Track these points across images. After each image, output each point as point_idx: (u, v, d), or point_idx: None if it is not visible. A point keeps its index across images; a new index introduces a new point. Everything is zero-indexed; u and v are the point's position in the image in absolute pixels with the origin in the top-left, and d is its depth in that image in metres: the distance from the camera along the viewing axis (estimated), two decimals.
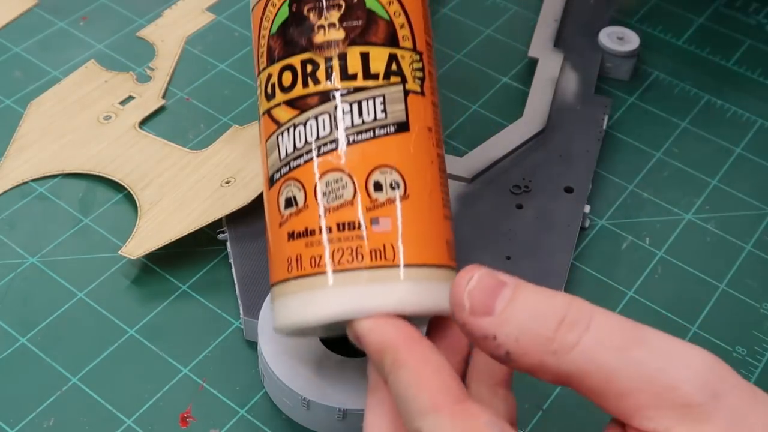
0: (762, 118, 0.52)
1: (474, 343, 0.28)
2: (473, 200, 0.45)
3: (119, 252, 0.42)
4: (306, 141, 0.32)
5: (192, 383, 0.39)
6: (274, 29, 0.33)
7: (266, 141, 0.33)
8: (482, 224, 0.44)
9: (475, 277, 0.27)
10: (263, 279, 0.41)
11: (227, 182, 0.45)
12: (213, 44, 0.54)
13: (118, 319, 0.41)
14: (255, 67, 0.35)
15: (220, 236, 0.44)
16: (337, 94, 0.32)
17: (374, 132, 0.32)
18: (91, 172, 0.46)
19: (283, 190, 0.32)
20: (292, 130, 0.32)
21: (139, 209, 0.44)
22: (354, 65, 0.32)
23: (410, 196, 0.31)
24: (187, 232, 0.43)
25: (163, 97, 0.50)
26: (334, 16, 0.32)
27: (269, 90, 0.33)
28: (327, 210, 0.31)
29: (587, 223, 0.45)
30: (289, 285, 0.31)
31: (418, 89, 0.33)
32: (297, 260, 0.31)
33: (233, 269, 0.42)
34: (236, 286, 0.41)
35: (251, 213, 0.43)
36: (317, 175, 0.31)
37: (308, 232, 0.31)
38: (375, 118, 0.32)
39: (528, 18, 0.56)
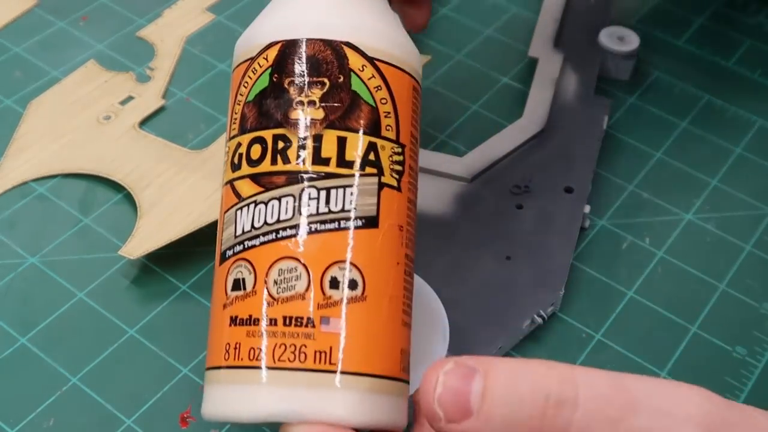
0: (762, 118, 0.52)
1: None
2: (473, 200, 0.45)
3: (119, 252, 0.42)
4: (265, 221, 0.30)
5: (192, 383, 0.39)
6: (251, 97, 0.31)
7: (225, 213, 0.31)
8: (482, 224, 0.44)
9: (440, 380, 0.25)
10: None
11: None
12: (213, 44, 0.54)
13: (118, 319, 0.41)
14: (227, 132, 0.33)
15: None
16: (306, 178, 0.30)
17: (339, 223, 0.29)
18: (91, 172, 0.46)
19: (233, 269, 0.30)
20: (252, 207, 0.30)
21: (139, 209, 0.44)
22: (329, 149, 0.30)
23: (367, 298, 0.29)
24: (187, 232, 0.43)
25: (163, 97, 0.50)
26: (316, 93, 0.31)
27: (236, 160, 0.31)
28: (275, 300, 0.29)
29: (587, 223, 0.45)
30: (223, 373, 0.29)
31: (395, 184, 0.31)
32: (236, 348, 0.29)
33: None
34: None
35: None
36: (270, 261, 0.29)
37: (251, 321, 0.29)
38: (342, 209, 0.30)
39: (528, 18, 0.56)
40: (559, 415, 0.24)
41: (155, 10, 0.56)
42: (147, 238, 0.43)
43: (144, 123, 0.49)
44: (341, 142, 0.30)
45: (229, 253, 0.31)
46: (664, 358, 0.41)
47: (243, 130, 0.31)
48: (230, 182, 0.31)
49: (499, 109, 0.51)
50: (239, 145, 0.31)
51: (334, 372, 0.28)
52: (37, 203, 0.45)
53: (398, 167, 0.31)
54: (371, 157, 0.31)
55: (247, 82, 0.32)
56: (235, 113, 0.32)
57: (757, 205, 0.47)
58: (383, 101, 0.31)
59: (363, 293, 0.29)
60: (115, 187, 0.46)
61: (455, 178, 0.46)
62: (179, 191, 0.45)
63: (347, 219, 0.30)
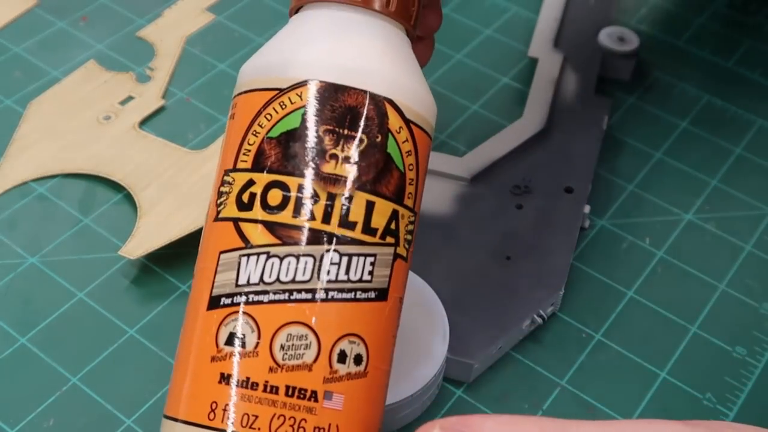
0: (762, 118, 0.52)
1: None
2: (473, 200, 0.45)
3: (119, 252, 0.42)
4: (278, 278, 0.27)
5: None
6: (275, 133, 0.29)
7: (222, 253, 0.28)
8: (482, 224, 0.44)
9: None
10: None
11: None
12: (213, 44, 0.54)
13: (118, 319, 0.41)
14: (224, 158, 0.30)
15: None
16: (331, 240, 0.28)
17: (356, 294, 0.28)
18: (91, 172, 0.46)
19: (229, 321, 0.28)
20: (263, 258, 0.28)
21: (138, 209, 0.44)
22: (357, 213, 0.28)
23: (368, 374, 0.28)
24: (187, 232, 0.43)
25: (163, 97, 0.50)
26: (352, 149, 0.28)
27: (245, 198, 0.28)
28: (280, 366, 0.27)
29: (587, 223, 0.45)
30: None
31: (405, 254, 0.30)
32: (224, 410, 0.27)
33: None
34: None
35: None
36: (279, 323, 0.27)
37: (249, 384, 0.27)
38: (360, 279, 0.28)
39: (528, 18, 0.56)
40: None
41: (155, 10, 0.56)
42: (147, 238, 0.43)
43: (144, 123, 0.49)
44: (369, 207, 0.28)
45: (226, 301, 0.28)
46: (664, 358, 0.41)
47: (259, 168, 0.29)
48: (234, 221, 0.29)
49: (499, 109, 0.51)
50: (251, 182, 0.29)
51: None
52: (37, 203, 0.45)
53: (410, 237, 0.30)
54: (392, 226, 0.29)
55: (270, 115, 0.29)
56: (249, 144, 0.29)
57: (757, 205, 0.47)
58: (410, 167, 0.30)
59: (365, 369, 0.28)
60: (115, 187, 0.46)
61: (455, 178, 0.46)
62: (179, 191, 0.45)
63: (364, 290, 0.28)
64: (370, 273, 0.28)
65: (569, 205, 0.45)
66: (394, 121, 0.29)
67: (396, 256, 0.29)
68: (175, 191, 0.45)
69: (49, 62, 0.52)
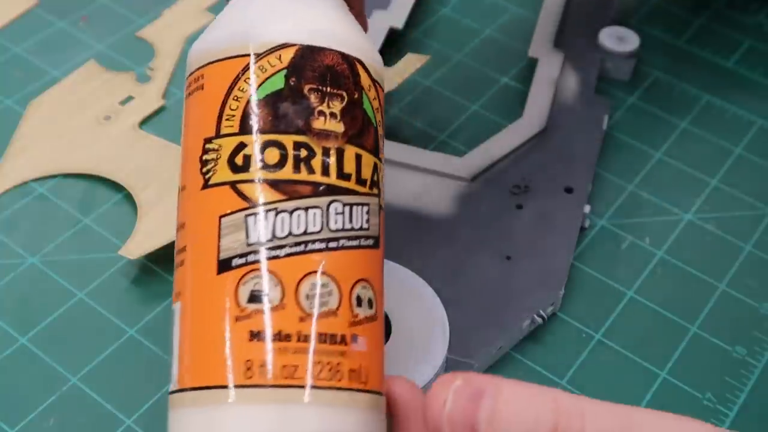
0: (762, 118, 0.52)
1: None
2: (473, 200, 0.45)
3: (119, 252, 0.42)
4: (290, 232, 0.28)
5: None
6: (260, 95, 0.30)
7: (222, 217, 0.29)
8: (482, 224, 0.44)
9: (450, 398, 0.25)
10: None
11: None
12: None
13: (118, 319, 0.41)
14: (198, 128, 0.31)
15: None
16: (332, 191, 0.29)
17: (360, 241, 0.29)
18: (91, 172, 0.46)
19: (248, 279, 0.28)
20: (272, 215, 0.28)
21: (139, 209, 0.44)
22: (350, 165, 0.30)
23: (377, 317, 0.29)
24: None
25: (163, 97, 0.50)
26: (336, 106, 0.30)
27: (239, 161, 0.29)
28: (308, 315, 0.28)
29: (587, 223, 0.45)
30: (247, 393, 0.27)
31: (383, 205, 0.31)
32: (262, 366, 0.27)
33: None
34: None
35: None
36: (301, 275, 0.28)
37: (283, 337, 0.27)
38: (361, 227, 0.29)
39: (528, 18, 0.56)
40: None
41: (155, 10, 0.56)
42: (147, 238, 0.43)
43: (144, 123, 0.49)
44: (358, 159, 0.30)
45: (239, 261, 0.28)
46: (663, 358, 0.41)
47: (248, 130, 0.29)
48: (232, 184, 0.29)
49: (499, 109, 0.51)
50: (242, 145, 0.29)
51: (364, 391, 0.28)
52: (37, 203, 0.45)
53: (383, 188, 0.32)
54: (375, 177, 0.31)
55: (248, 79, 0.30)
56: (232, 110, 0.30)
57: (757, 205, 0.47)
58: (380, 123, 0.31)
59: (375, 313, 0.29)
60: (115, 187, 0.46)
61: (455, 178, 0.46)
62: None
63: (366, 237, 0.29)
64: (367, 222, 0.30)
65: (569, 205, 0.45)
66: (365, 80, 0.31)
67: (380, 206, 0.31)
68: (175, 191, 0.45)
69: (49, 62, 0.52)
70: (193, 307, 0.29)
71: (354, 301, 0.28)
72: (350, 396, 0.28)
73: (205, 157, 0.30)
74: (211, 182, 0.30)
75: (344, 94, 0.30)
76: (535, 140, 0.48)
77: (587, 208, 0.45)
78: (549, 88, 0.50)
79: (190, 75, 0.32)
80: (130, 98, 0.50)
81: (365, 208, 0.30)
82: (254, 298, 0.28)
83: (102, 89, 0.50)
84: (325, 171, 0.29)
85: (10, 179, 0.46)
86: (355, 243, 0.29)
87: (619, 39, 0.53)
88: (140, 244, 0.42)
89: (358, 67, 0.31)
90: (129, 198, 0.45)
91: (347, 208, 0.29)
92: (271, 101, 0.30)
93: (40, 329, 0.41)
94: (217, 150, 0.30)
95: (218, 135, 0.30)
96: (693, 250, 0.45)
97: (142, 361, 0.40)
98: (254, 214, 0.28)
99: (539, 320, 0.41)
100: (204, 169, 0.30)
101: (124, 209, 0.45)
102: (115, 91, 0.50)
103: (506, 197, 0.45)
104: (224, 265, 0.28)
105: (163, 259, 0.43)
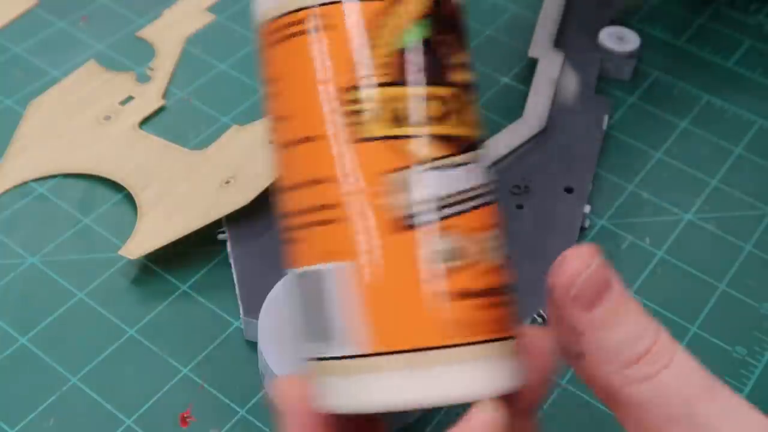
0: (762, 118, 0.52)
1: (557, 323, 0.28)
2: None
3: (119, 252, 0.42)
4: (463, 188, 0.28)
5: (192, 383, 0.39)
6: (411, 43, 0.27)
7: (384, 175, 0.27)
8: None
9: (593, 268, 0.27)
10: (263, 279, 0.41)
11: (227, 182, 0.45)
12: (213, 44, 0.54)
13: (118, 319, 0.41)
14: (334, 75, 0.28)
15: (220, 236, 0.44)
16: (480, 145, 0.29)
17: (496, 194, 0.29)
18: (91, 172, 0.46)
19: (438, 239, 0.27)
20: (450, 170, 0.27)
21: (139, 209, 0.44)
22: (476, 117, 0.29)
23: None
24: (187, 232, 0.43)
25: (163, 97, 0.50)
26: (463, 57, 0.29)
27: (400, 113, 0.27)
28: (500, 268, 0.28)
29: (587, 223, 0.45)
30: (467, 351, 0.27)
31: None
32: (474, 324, 0.27)
33: (233, 269, 0.42)
34: (236, 286, 0.41)
35: (251, 213, 0.43)
36: (485, 228, 0.28)
37: (490, 292, 0.28)
38: (491, 180, 0.29)
39: (528, 18, 0.56)
40: (649, 365, 0.26)
41: (155, 10, 0.56)
42: (147, 238, 0.43)
43: (144, 123, 0.49)
44: (474, 111, 0.29)
45: (423, 218, 0.27)
46: None
47: (400, 81, 0.27)
48: (395, 138, 0.27)
49: (499, 109, 0.51)
50: (397, 97, 0.27)
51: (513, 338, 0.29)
52: (37, 203, 0.45)
53: None
54: None
55: (398, 25, 0.27)
56: (385, 56, 0.27)
57: (757, 205, 0.47)
58: None
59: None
60: (115, 187, 0.46)
61: None
62: (179, 191, 0.45)
63: (495, 190, 0.29)
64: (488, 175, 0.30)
65: (569, 205, 0.45)
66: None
67: None
68: (175, 191, 0.45)
69: (49, 62, 0.52)
70: (373, 268, 0.27)
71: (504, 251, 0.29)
72: (513, 343, 0.28)
73: (349, 109, 0.28)
74: (365, 136, 0.27)
75: (465, 43, 0.29)
76: (535, 140, 0.48)
77: (587, 208, 0.45)
78: (549, 88, 0.50)
79: (279, 18, 0.29)
80: (130, 98, 0.50)
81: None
82: (449, 256, 0.27)
83: (102, 89, 0.50)
84: (476, 126, 0.29)
85: (10, 179, 0.46)
86: (495, 195, 0.29)
87: (619, 39, 0.53)
88: (140, 244, 0.42)
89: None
90: (129, 198, 0.45)
91: (484, 161, 0.29)
92: (427, 50, 0.28)
93: (40, 329, 0.41)
94: (371, 101, 0.27)
95: (368, 84, 0.27)
96: (693, 250, 0.45)
97: (142, 361, 0.40)
98: (431, 168, 0.27)
99: (539, 320, 0.41)
100: (350, 122, 0.28)
101: (124, 209, 0.45)
102: (115, 91, 0.50)
103: (506, 197, 0.45)
104: (405, 224, 0.27)
105: (163, 259, 0.43)
